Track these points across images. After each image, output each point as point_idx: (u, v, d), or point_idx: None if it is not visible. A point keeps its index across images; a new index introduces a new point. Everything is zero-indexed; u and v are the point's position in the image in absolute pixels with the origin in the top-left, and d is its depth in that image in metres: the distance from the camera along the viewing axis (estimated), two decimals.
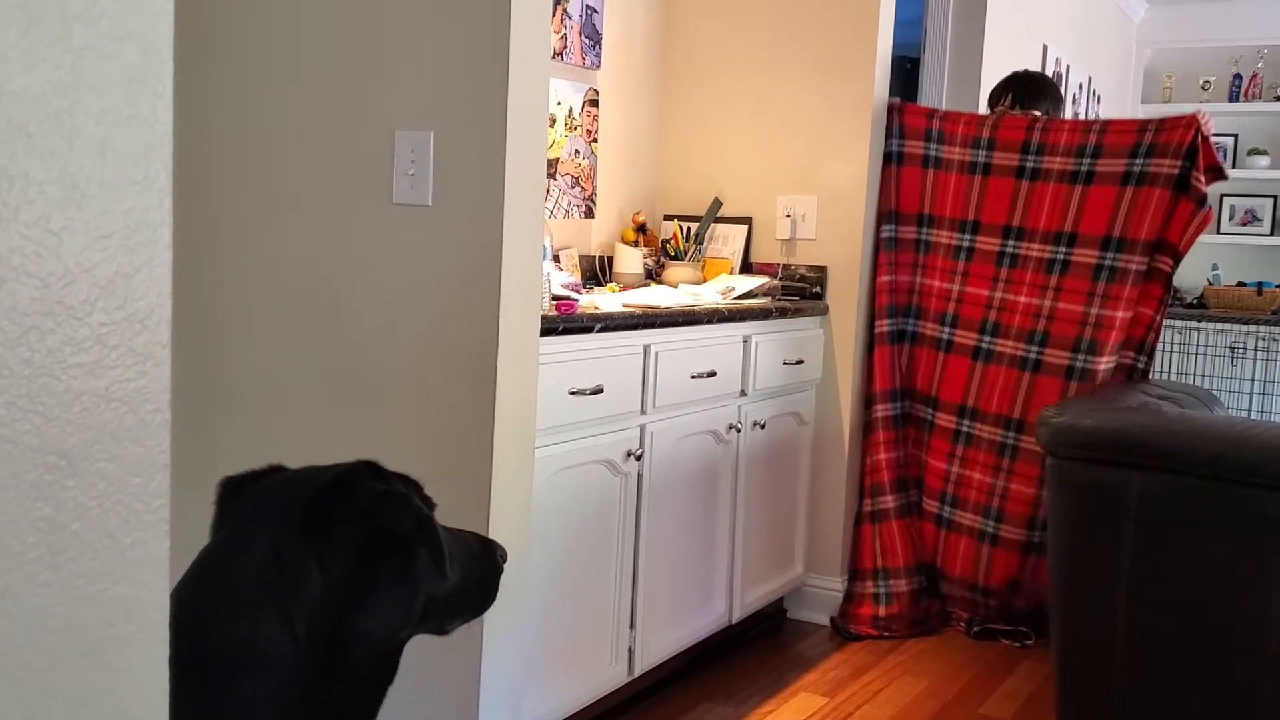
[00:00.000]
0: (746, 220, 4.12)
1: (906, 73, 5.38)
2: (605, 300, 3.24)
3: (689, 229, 4.05)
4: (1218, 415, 3.01)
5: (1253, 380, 6.64)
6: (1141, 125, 3.74)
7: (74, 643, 0.70)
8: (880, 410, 4.04)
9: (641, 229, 4.02)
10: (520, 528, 2.44)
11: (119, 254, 0.69)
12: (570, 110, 3.74)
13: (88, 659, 0.71)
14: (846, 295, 3.97)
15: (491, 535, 2.35)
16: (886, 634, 3.93)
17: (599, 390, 2.81)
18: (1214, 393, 3.82)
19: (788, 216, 4.02)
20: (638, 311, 3.01)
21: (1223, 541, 2.62)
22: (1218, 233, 7.45)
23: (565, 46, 3.68)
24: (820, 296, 3.98)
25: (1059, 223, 3.82)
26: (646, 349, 3.02)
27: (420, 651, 2.11)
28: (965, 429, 3.96)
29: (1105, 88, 7.10)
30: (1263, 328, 6.63)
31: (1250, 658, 2.60)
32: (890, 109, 4.01)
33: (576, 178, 3.80)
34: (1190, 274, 7.28)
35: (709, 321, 3.27)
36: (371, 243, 2.44)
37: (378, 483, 1.42)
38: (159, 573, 0.75)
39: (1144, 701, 2.76)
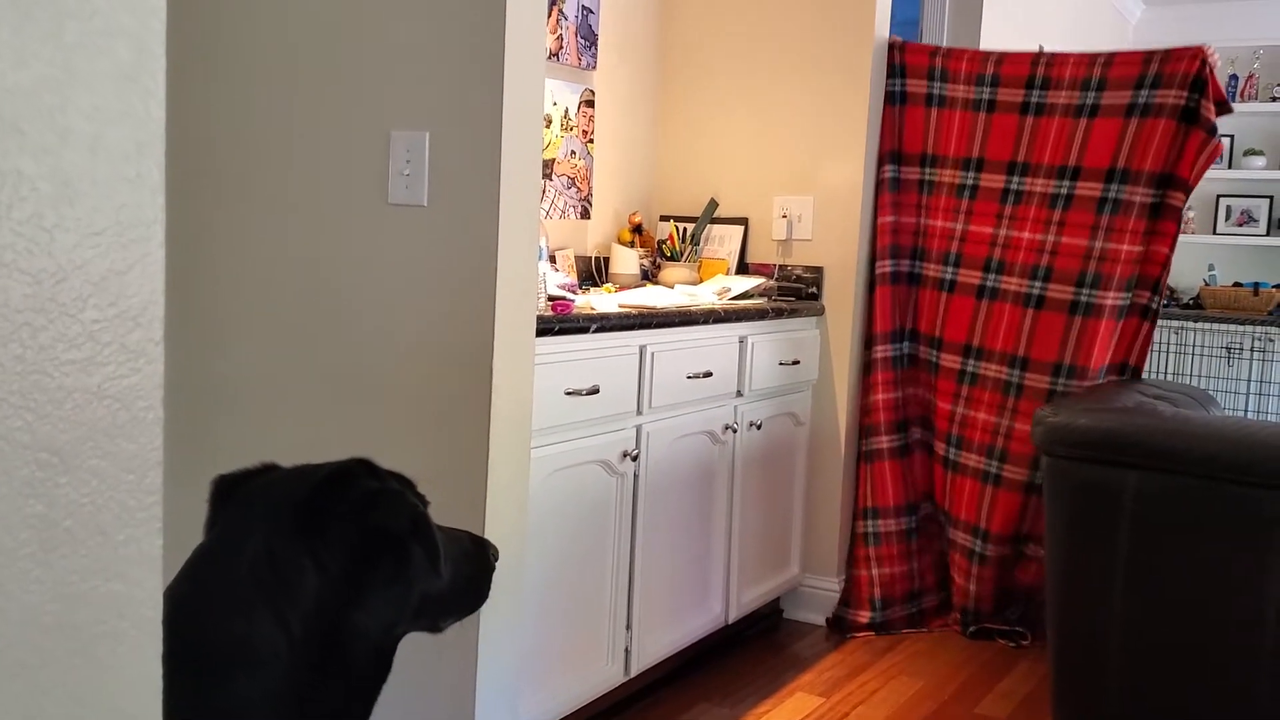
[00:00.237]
0: (743, 221, 4.12)
1: None
2: (601, 301, 3.24)
3: (685, 230, 4.05)
4: (1213, 415, 3.02)
5: (1249, 381, 6.65)
6: (1146, 56, 3.70)
7: (67, 640, 0.70)
8: (880, 351, 4.02)
9: (638, 230, 4.02)
10: (516, 528, 2.44)
11: (111, 251, 0.69)
12: (566, 111, 3.74)
13: (80, 656, 0.71)
14: (843, 296, 3.97)
15: (487, 536, 2.34)
16: (880, 620, 3.94)
17: (595, 391, 2.81)
18: (1210, 393, 3.82)
19: (784, 217, 4.03)
20: (634, 312, 3.01)
21: (1218, 541, 2.62)
22: (1213, 233, 7.46)
23: (561, 47, 3.68)
24: (816, 297, 3.99)
25: (1063, 157, 3.78)
26: (642, 349, 3.02)
27: (417, 651, 2.11)
28: (970, 369, 3.93)
29: None
30: (1259, 328, 6.63)
31: (1246, 657, 2.60)
32: (891, 47, 3.98)
33: (572, 178, 3.80)
34: (1187, 274, 7.29)
35: (705, 322, 3.27)
36: (367, 243, 2.43)
37: (371, 480, 1.42)
38: (152, 570, 0.75)
39: (1140, 701, 2.76)
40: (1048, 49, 5.93)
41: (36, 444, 0.66)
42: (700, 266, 4.03)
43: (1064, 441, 2.80)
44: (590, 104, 3.85)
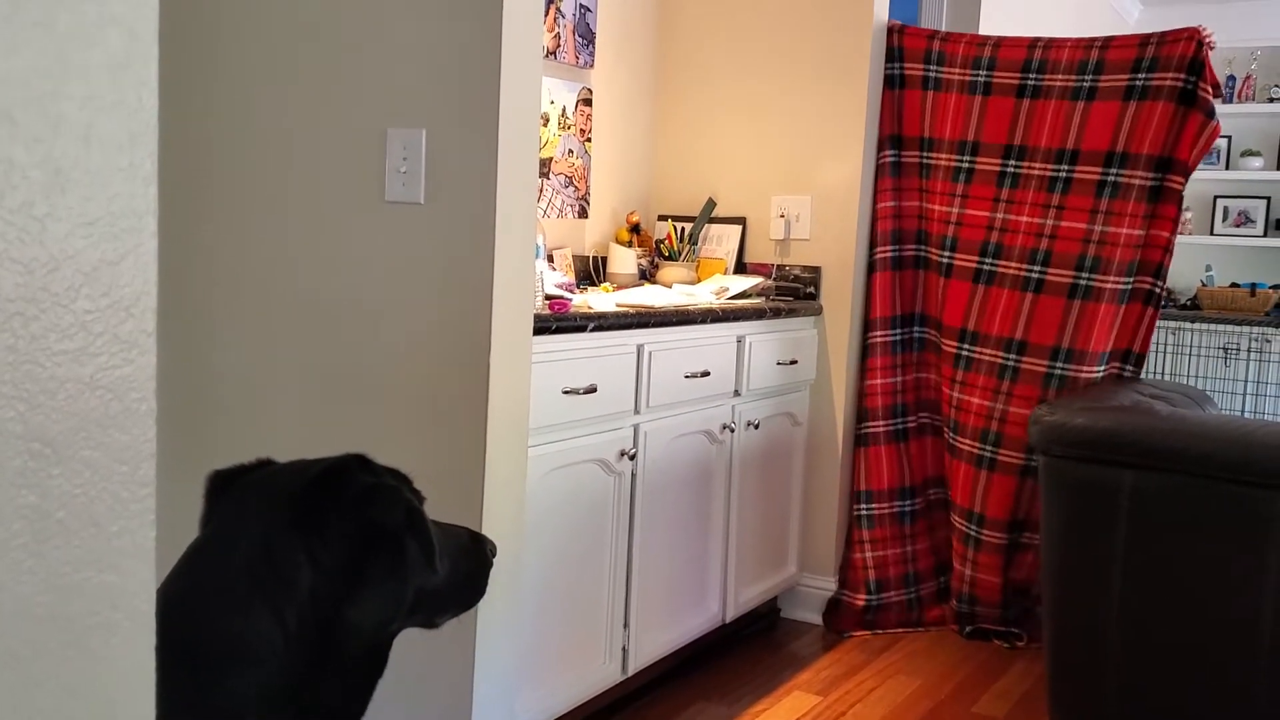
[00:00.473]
0: (741, 221, 4.12)
1: None
2: (599, 300, 3.24)
3: (683, 229, 4.05)
4: (1209, 414, 3.02)
5: (1246, 381, 6.65)
6: (1143, 39, 3.71)
7: (59, 631, 0.70)
8: (878, 336, 4.02)
9: (635, 229, 4.02)
10: (514, 527, 2.44)
11: (103, 241, 0.69)
12: (564, 109, 3.74)
13: (73, 648, 0.71)
14: (841, 295, 3.97)
15: (484, 533, 2.34)
16: (876, 603, 3.95)
17: (592, 390, 2.81)
18: (1207, 393, 3.82)
19: (782, 217, 4.03)
20: (631, 311, 3.01)
21: (1215, 540, 2.62)
22: (1211, 234, 7.47)
23: (559, 45, 3.68)
24: (814, 297, 3.99)
25: (1061, 140, 3.78)
26: (640, 349, 3.02)
27: (414, 650, 2.11)
28: (965, 353, 3.93)
29: None
30: (1256, 329, 6.64)
31: (1243, 655, 2.60)
32: (890, 31, 3.98)
33: (570, 177, 3.80)
34: (1184, 275, 7.29)
35: (703, 321, 3.27)
36: (363, 241, 2.43)
37: (367, 475, 1.41)
38: (145, 562, 0.75)
39: (1137, 700, 2.76)
40: None
41: (29, 434, 0.66)
42: (698, 266, 4.03)
43: (1061, 441, 2.80)
44: (588, 103, 3.85)
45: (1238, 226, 7.56)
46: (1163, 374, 6.71)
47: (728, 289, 3.73)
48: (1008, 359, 3.85)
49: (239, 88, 2.59)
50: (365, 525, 1.36)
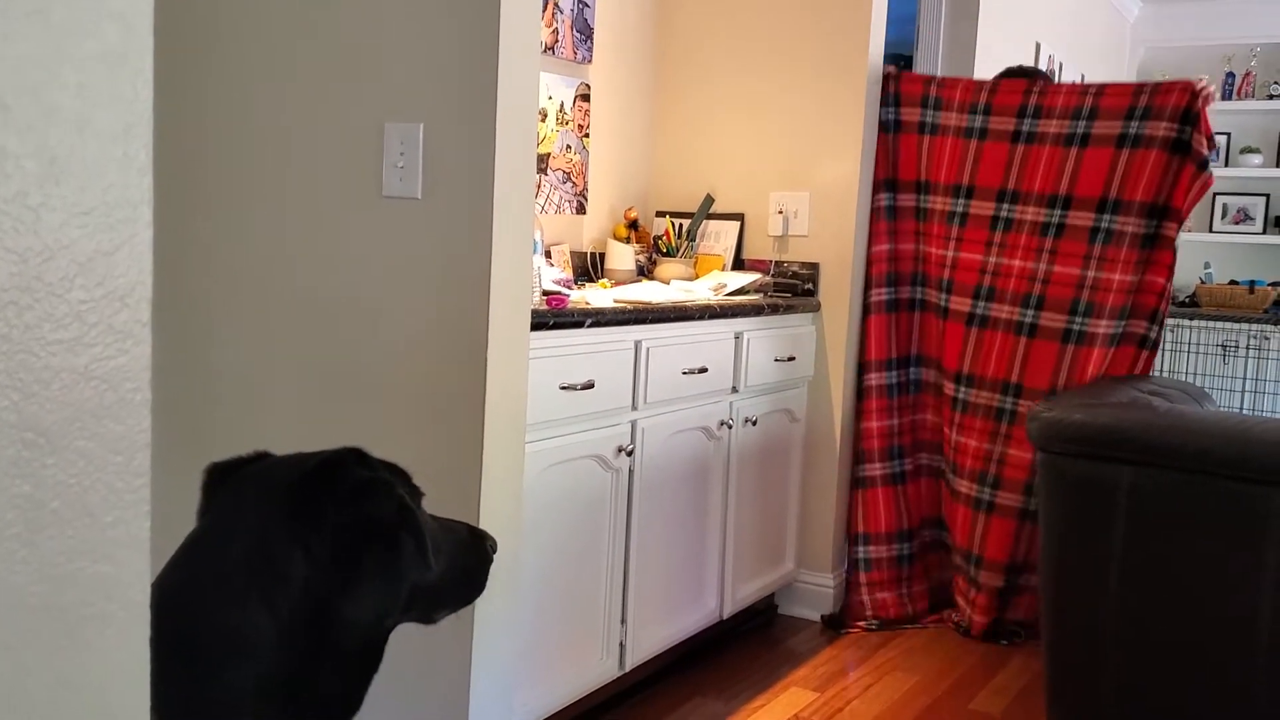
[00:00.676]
0: (738, 217, 4.12)
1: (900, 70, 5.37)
2: (596, 296, 3.23)
3: (681, 225, 4.05)
4: (1207, 410, 3.02)
5: (1244, 379, 6.65)
6: (1138, 88, 3.73)
7: (53, 621, 0.69)
8: (874, 379, 4.04)
9: (633, 225, 4.02)
10: (511, 523, 2.44)
11: (98, 231, 0.69)
12: (562, 105, 3.74)
13: (67, 639, 0.71)
14: (839, 292, 3.97)
15: (482, 529, 2.34)
16: (875, 620, 3.95)
17: (590, 385, 2.81)
18: (1205, 390, 3.82)
19: (780, 213, 4.03)
20: (629, 307, 3.01)
21: (1213, 536, 2.62)
22: (1210, 231, 7.47)
23: (557, 40, 3.67)
24: (812, 293, 3.99)
25: (1054, 186, 3.80)
26: (638, 345, 3.02)
27: (412, 645, 2.11)
28: (962, 396, 3.95)
29: None
30: (1254, 326, 6.64)
31: (1242, 652, 2.60)
32: (886, 77, 4.00)
33: (568, 173, 3.80)
34: (1183, 272, 7.28)
35: (700, 318, 3.27)
36: (361, 236, 2.43)
37: (363, 469, 1.41)
38: (140, 552, 0.75)
39: (1135, 697, 2.76)
40: (1045, 46, 5.94)
41: (23, 424, 0.66)
42: (696, 262, 4.03)
43: (1059, 437, 2.80)
44: (586, 98, 3.85)
45: (1237, 224, 7.56)
46: (1161, 371, 6.72)
47: (726, 285, 3.73)
48: (1004, 402, 3.89)
49: (236, 82, 2.59)
50: (360, 519, 1.36)
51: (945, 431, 4.03)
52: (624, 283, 3.70)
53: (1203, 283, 7.14)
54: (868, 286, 4.03)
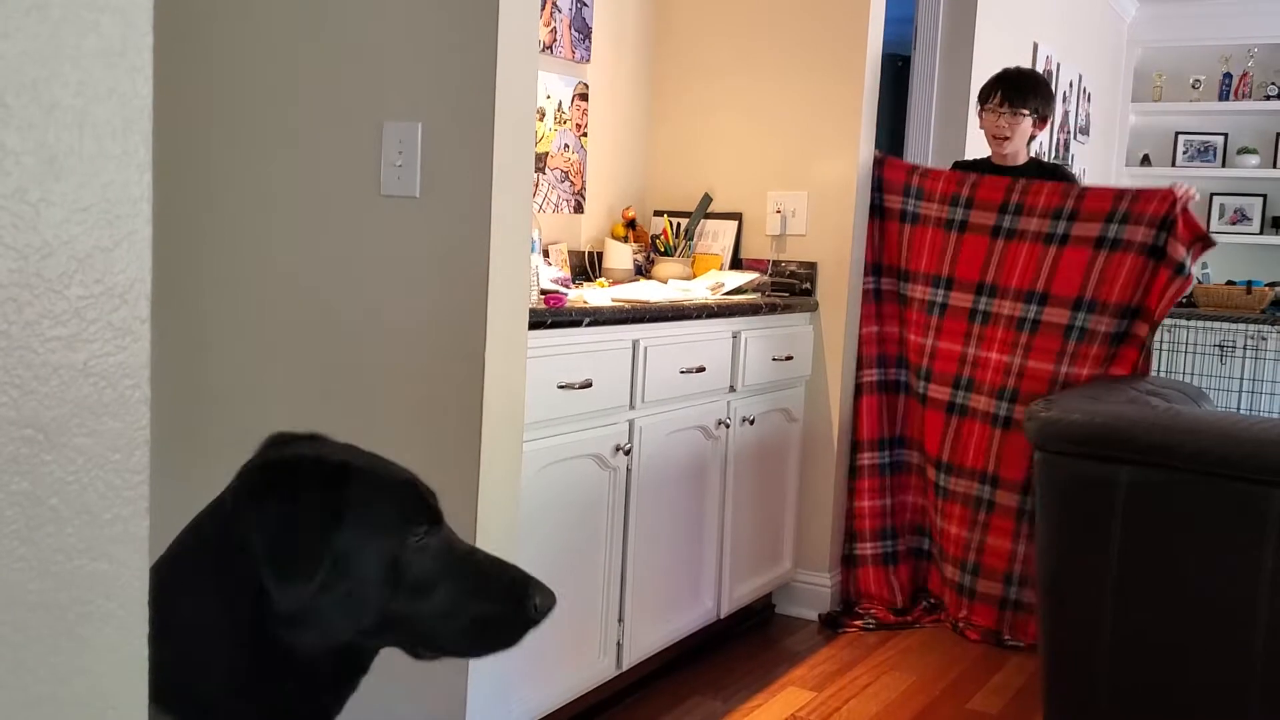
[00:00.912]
0: (736, 216, 4.12)
1: (897, 70, 5.37)
2: (594, 295, 3.23)
3: (679, 224, 4.05)
4: (1205, 410, 3.02)
5: (1241, 379, 6.65)
6: (1119, 193, 3.82)
7: (51, 619, 0.69)
8: (866, 459, 4.11)
9: (631, 224, 4.02)
10: (508, 522, 2.44)
11: (97, 227, 0.69)
12: (560, 104, 3.74)
13: (65, 636, 0.71)
14: (836, 291, 3.97)
15: (479, 529, 2.34)
16: (872, 620, 3.98)
17: (588, 384, 2.81)
18: (1203, 390, 3.82)
19: (778, 212, 4.03)
20: (627, 306, 3.01)
21: (1211, 536, 2.62)
22: (1207, 231, 7.47)
23: (555, 40, 3.67)
24: (810, 293, 3.99)
25: (1032, 282, 3.87)
26: (635, 344, 3.01)
27: None
28: (942, 483, 4.04)
29: (1095, 86, 7.12)
30: (1251, 326, 6.64)
31: (1239, 651, 2.60)
32: (876, 163, 4.06)
33: (566, 172, 3.80)
34: None
35: (698, 317, 3.26)
36: (359, 234, 2.43)
37: (311, 469, 1.34)
38: (138, 550, 0.75)
39: (1131, 696, 2.76)
40: (1043, 46, 5.94)
41: (22, 420, 0.66)
42: (694, 261, 4.03)
43: (1056, 436, 2.80)
44: (584, 97, 3.85)
45: (1234, 224, 7.57)
46: (1159, 371, 6.72)
47: (723, 284, 3.73)
48: (982, 490, 3.95)
49: (235, 81, 2.59)
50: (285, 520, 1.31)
51: (931, 516, 4.11)
52: (622, 282, 3.70)
53: (1200, 282, 7.14)
54: (859, 366, 4.10)
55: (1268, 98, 7.40)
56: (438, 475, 2.26)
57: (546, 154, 3.69)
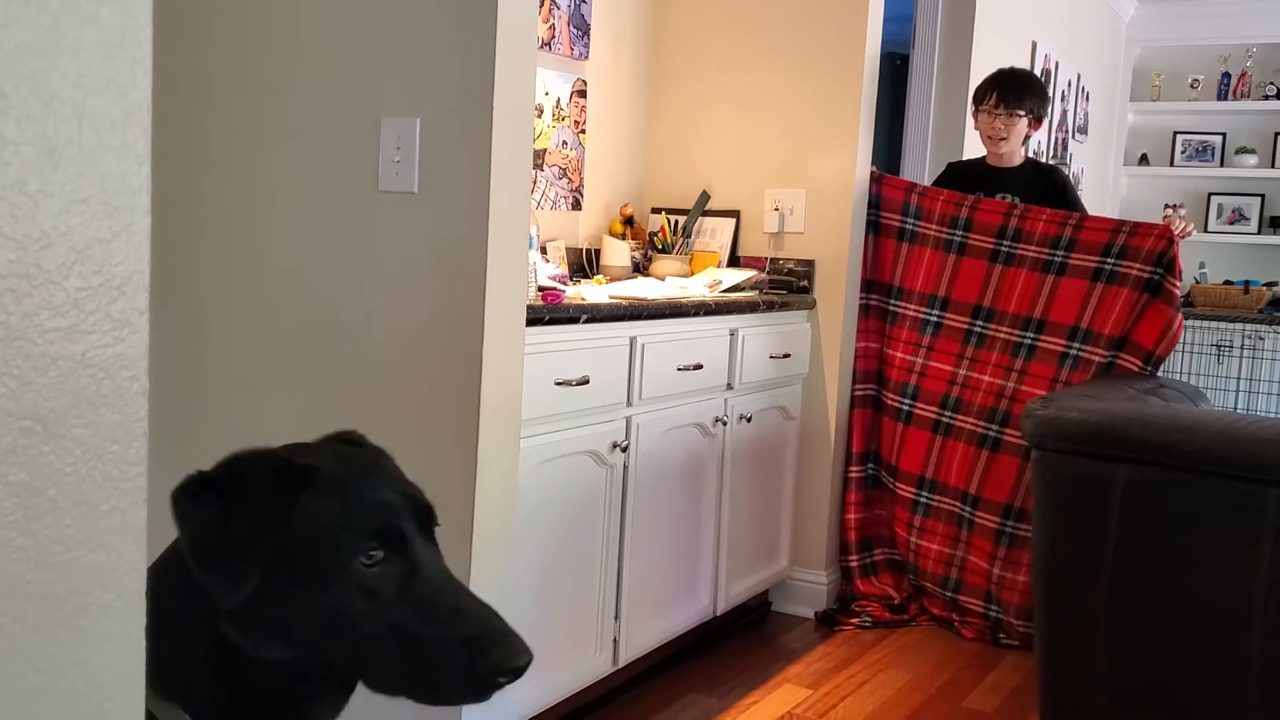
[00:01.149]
0: (734, 214, 4.12)
1: (896, 69, 5.37)
2: (592, 292, 3.23)
3: (677, 222, 4.05)
4: (1203, 409, 3.02)
5: (1238, 378, 6.66)
6: (1116, 226, 3.84)
7: (49, 610, 0.69)
8: (855, 471, 4.14)
9: (629, 222, 4.02)
10: (505, 518, 2.44)
11: (96, 219, 0.69)
12: (558, 101, 3.74)
13: (62, 627, 0.71)
14: (834, 289, 3.97)
15: (477, 524, 2.34)
16: (868, 618, 3.98)
17: (585, 381, 2.81)
18: (1200, 390, 3.83)
19: (776, 210, 4.03)
20: (624, 303, 3.01)
21: (1207, 534, 2.62)
22: (1205, 231, 7.48)
23: (553, 36, 3.67)
24: (808, 291, 3.99)
25: (1029, 309, 3.90)
26: (633, 341, 3.01)
27: None
28: (924, 500, 4.05)
29: (1094, 85, 7.12)
30: (1249, 326, 6.65)
31: (1235, 651, 2.61)
32: (871, 179, 4.07)
33: (564, 169, 3.80)
34: None
35: (696, 314, 3.27)
36: (357, 230, 2.43)
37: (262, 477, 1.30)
38: (136, 541, 0.75)
39: (1128, 696, 2.76)
40: (1041, 45, 5.94)
41: (20, 411, 0.66)
42: (691, 259, 4.03)
43: (1053, 434, 2.80)
44: (582, 94, 3.85)
45: (1231, 224, 7.57)
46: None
47: (721, 282, 3.73)
48: (964, 510, 3.98)
49: (233, 74, 2.59)
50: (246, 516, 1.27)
51: (900, 533, 4.11)
52: (619, 279, 3.70)
53: (1198, 282, 7.15)
54: (854, 380, 4.10)
55: (1266, 97, 7.40)
56: (435, 470, 2.26)
57: (544, 151, 3.69)
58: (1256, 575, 2.57)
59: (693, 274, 3.91)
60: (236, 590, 1.23)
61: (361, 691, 1.39)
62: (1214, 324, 6.69)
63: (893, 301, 4.08)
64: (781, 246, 4.04)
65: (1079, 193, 4.47)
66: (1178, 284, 3.72)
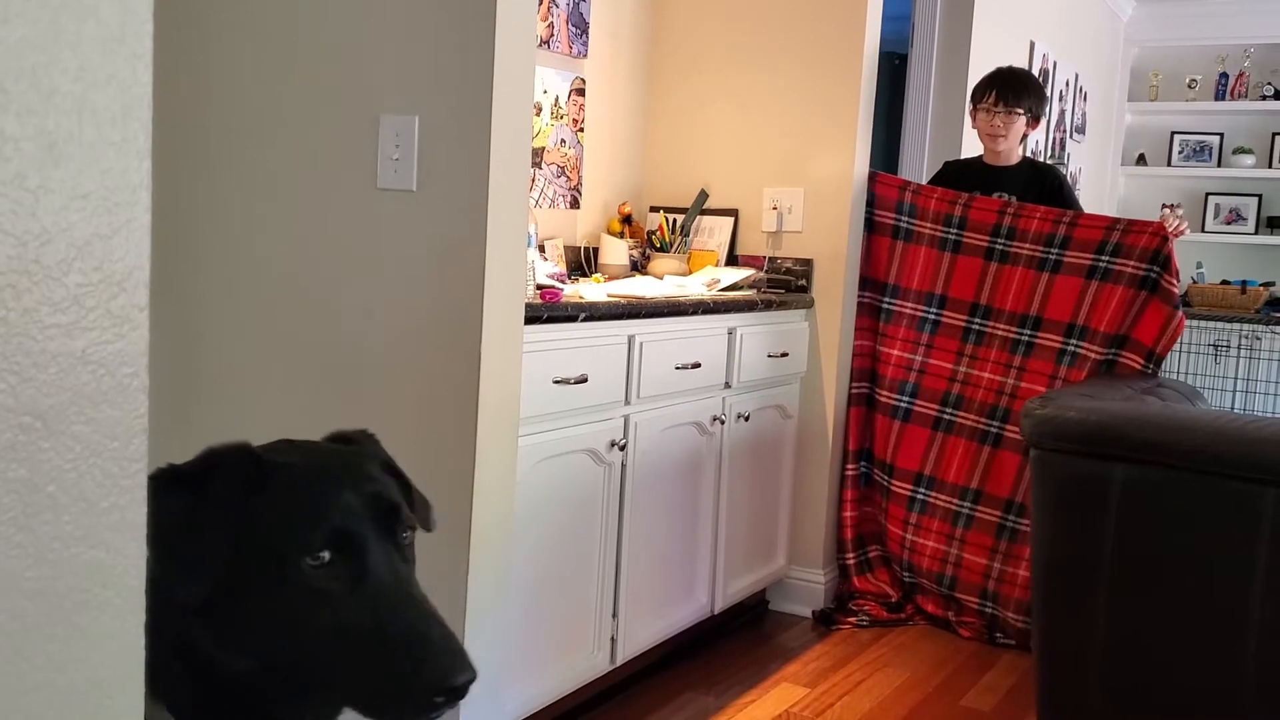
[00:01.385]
0: (733, 212, 4.11)
1: (894, 68, 5.38)
2: (590, 290, 3.23)
3: (675, 220, 4.05)
4: (1200, 409, 3.02)
5: (1235, 378, 6.67)
6: (1110, 224, 3.85)
7: (48, 607, 0.69)
8: (851, 469, 4.14)
9: (627, 220, 4.02)
10: (503, 516, 2.44)
11: (96, 215, 0.68)
12: (557, 99, 3.73)
13: (61, 624, 0.70)
14: (832, 288, 3.97)
15: (474, 524, 2.34)
16: (865, 617, 3.99)
17: (583, 380, 2.80)
18: (1198, 389, 3.83)
19: (774, 209, 4.02)
20: (623, 301, 3.01)
21: (1205, 534, 2.62)
22: (1202, 231, 7.48)
23: (552, 34, 3.67)
24: (806, 289, 3.99)
25: (1025, 306, 3.92)
26: (631, 339, 3.01)
27: None
28: (921, 496, 4.05)
29: (1092, 85, 7.12)
30: (1246, 326, 6.66)
31: (1232, 650, 2.61)
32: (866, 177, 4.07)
33: (562, 167, 3.80)
34: None
35: (694, 313, 3.26)
36: (355, 227, 2.43)
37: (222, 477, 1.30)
38: (135, 539, 0.74)
39: (1125, 695, 2.76)
40: (1039, 45, 5.94)
41: (20, 407, 0.65)
42: (690, 258, 4.02)
43: (1052, 433, 2.80)
44: (581, 92, 3.85)
45: (1229, 224, 7.57)
46: None
47: (719, 281, 3.72)
48: (962, 506, 3.99)
49: (232, 73, 2.58)
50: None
51: (894, 530, 4.10)
52: (617, 277, 3.70)
53: (1195, 282, 7.15)
54: (851, 379, 4.11)
55: (1264, 98, 7.41)
56: (433, 468, 2.26)
57: (543, 149, 3.69)
58: (1253, 575, 2.57)
59: (691, 273, 3.91)
60: (193, 587, 1.21)
61: None
62: (1211, 324, 6.70)
63: (887, 299, 4.08)
64: (780, 245, 4.04)
65: (1077, 192, 4.48)
66: (1174, 281, 3.73)
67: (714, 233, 4.11)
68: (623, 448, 3.02)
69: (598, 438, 2.93)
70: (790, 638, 3.84)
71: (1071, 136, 6.78)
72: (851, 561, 4.14)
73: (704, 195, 4.08)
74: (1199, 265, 7.37)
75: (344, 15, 2.42)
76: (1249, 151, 7.46)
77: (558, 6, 3.68)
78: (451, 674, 1.21)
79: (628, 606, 3.12)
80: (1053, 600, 2.87)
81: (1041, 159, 5.78)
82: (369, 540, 1.28)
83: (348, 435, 1.49)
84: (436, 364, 2.36)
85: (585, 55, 3.85)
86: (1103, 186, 7.66)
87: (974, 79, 4.50)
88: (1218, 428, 2.63)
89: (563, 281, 3.28)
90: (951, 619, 3.98)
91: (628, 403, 3.04)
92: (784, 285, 3.99)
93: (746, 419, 3.62)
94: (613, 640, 3.08)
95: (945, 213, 4.00)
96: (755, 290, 3.83)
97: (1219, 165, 7.57)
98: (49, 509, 0.68)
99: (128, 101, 0.70)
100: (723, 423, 3.49)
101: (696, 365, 3.30)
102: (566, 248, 3.80)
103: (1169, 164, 7.73)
